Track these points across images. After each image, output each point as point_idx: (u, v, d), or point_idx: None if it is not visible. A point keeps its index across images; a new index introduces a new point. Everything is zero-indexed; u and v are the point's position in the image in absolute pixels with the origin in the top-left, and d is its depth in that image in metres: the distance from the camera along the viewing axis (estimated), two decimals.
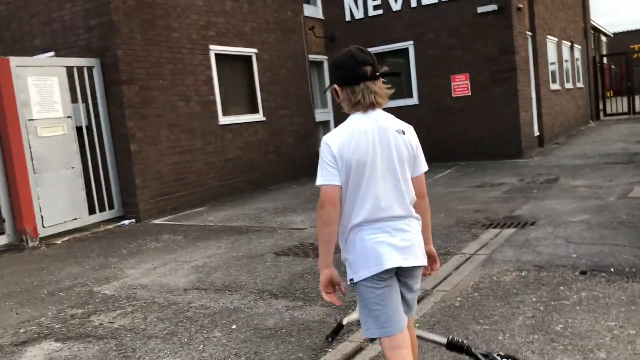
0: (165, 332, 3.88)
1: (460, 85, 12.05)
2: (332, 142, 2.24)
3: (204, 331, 3.84)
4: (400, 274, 2.31)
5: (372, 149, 2.24)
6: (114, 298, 4.75)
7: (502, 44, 11.49)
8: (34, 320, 4.33)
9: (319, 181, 2.23)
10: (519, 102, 11.60)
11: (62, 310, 4.52)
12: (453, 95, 12.13)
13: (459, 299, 4.02)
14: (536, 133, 13.15)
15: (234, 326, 3.89)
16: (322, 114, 13.12)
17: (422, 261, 2.34)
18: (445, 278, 4.52)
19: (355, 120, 2.29)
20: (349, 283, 2.33)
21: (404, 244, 2.26)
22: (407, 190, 2.31)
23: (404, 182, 2.30)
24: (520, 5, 11.84)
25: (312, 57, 12.69)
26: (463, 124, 12.08)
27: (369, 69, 2.26)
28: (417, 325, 3.61)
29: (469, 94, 11.96)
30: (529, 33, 12.87)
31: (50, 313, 4.48)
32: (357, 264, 2.27)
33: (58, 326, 4.16)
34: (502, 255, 4.99)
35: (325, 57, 13.28)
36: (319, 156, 2.30)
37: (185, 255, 6.10)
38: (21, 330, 4.14)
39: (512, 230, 5.86)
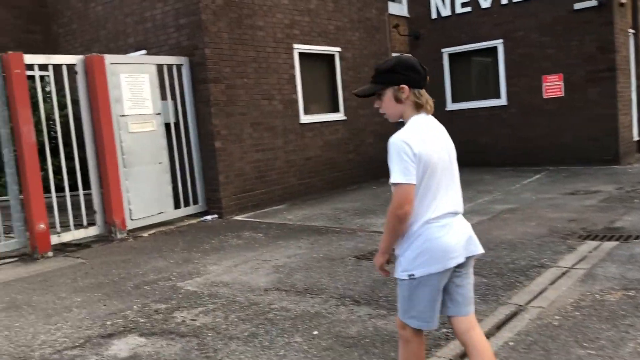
0: (246, 334, 3.83)
1: (552, 85, 11.41)
2: (412, 142, 2.34)
3: (285, 335, 3.76)
4: (460, 264, 2.48)
5: (440, 148, 2.44)
6: (197, 294, 4.78)
7: (601, 41, 10.78)
8: (120, 313, 4.42)
9: (399, 179, 2.33)
10: (617, 104, 10.84)
11: (146, 305, 4.59)
12: (544, 96, 11.51)
13: (557, 317, 3.72)
14: (635, 137, 12.25)
15: (315, 332, 3.78)
16: None
17: (481, 249, 2.59)
18: (541, 293, 4.21)
19: (423, 122, 2.45)
20: (402, 277, 2.45)
21: (465, 236, 2.50)
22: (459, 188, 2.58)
23: (458, 180, 2.56)
24: (623, 0, 11.04)
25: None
26: (554, 126, 11.44)
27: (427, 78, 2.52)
28: (511, 344, 3.36)
29: (562, 94, 11.31)
30: (631, 30, 11.99)
31: (135, 307, 4.56)
32: (421, 260, 2.40)
33: (142, 321, 4.22)
34: (604, 270, 4.60)
35: (410, 55, 12.98)
36: (394, 153, 2.36)
37: (266, 254, 6.09)
38: (108, 323, 4.23)
39: (613, 243, 5.41)
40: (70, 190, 7.29)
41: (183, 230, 7.84)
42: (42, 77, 7.59)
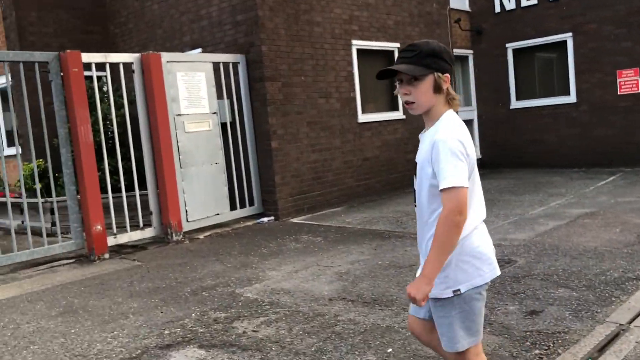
0: (313, 349, 3.51)
1: (628, 81, 10.64)
2: (465, 141, 2.08)
3: (356, 352, 3.42)
4: None
5: (473, 149, 2.20)
6: (257, 303, 4.50)
7: None
8: (178, 322, 4.18)
9: (457, 182, 2.00)
10: None
11: (205, 313, 4.34)
12: (618, 93, 10.75)
13: None
14: None
15: (390, 349, 3.43)
16: (465, 113, 12.30)
17: None
18: None
19: (458, 119, 2.17)
20: (446, 296, 2.15)
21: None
22: None
23: None
24: None
25: (456, 51, 11.94)
26: (630, 124, 10.67)
27: None
28: None
29: (638, 90, 10.53)
30: None
31: (193, 315, 4.32)
32: (468, 273, 2.14)
33: (201, 330, 3.97)
34: None
35: (471, 51, 12.45)
36: (448, 154, 2.03)
37: (327, 259, 5.76)
38: (165, 332, 3.99)
39: None
40: (127, 190, 7.18)
41: (239, 232, 7.62)
42: (99, 77, 7.52)
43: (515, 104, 12.12)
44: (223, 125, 8.11)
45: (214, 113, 7.90)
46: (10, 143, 11.10)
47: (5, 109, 11.08)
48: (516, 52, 11.97)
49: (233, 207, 8.15)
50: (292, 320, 4.04)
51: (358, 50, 9.47)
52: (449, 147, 2.02)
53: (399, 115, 10.23)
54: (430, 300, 2.18)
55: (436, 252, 2.01)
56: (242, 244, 6.83)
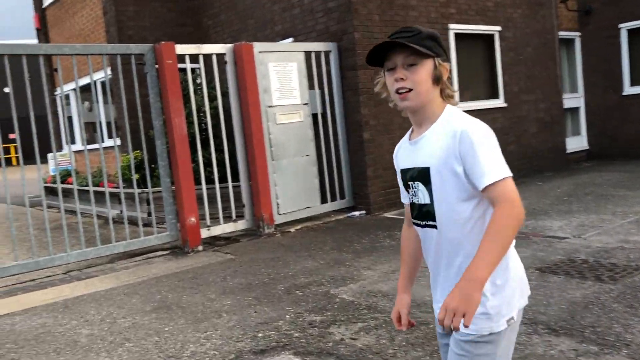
0: None
1: None
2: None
3: None
4: None
5: None
6: (354, 306, 4.22)
7: None
8: (272, 324, 3.99)
9: (507, 172, 1.62)
10: None
11: (300, 315, 4.12)
12: None
13: None
14: None
15: None
16: (572, 100, 11.41)
17: None
18: None
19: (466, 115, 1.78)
20: (498, 329, 1.68)
21: None
22: None
23: None
24: None
25: (562, 34, 11.06)
26: None
27: None
28: None
29: None
30: None
31: (288, 316, 4.11)
32: (517, 295, 1.74)
33: (297, 335, 3.75)
34: None
35: (578, 33, 11.50)
36: (485, 142, 1.65)
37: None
38: (259, 335, 3.81)
39: None
40: (220, 182, 7.14)
41: (330, 226, 7.39)
42: (192, 70, 7.53)
43: (629, 89, 11.05)
44: (314, 117, 7.90)
45: (305, 104, 7.69)
46: (110, 135, 11.51)
47: (105, 101, 11.47)
48: (631, 32, 10.88)
49: (324, 200, 7.94)
50: (394, 329, 3.72)
51: (456, 35, 8.93)
52: (483, 135, 1.64)
53: (499, 103, 9.59)
54: (460, 340, 1.70)
55: (494, 250, 1.54)
56: (334, 239, 6.59)
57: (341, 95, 8.04)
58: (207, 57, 7.21)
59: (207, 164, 7.60)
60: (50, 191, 11.10)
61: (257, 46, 7.23)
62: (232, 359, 3.45)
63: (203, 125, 8.63)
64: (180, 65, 6.73)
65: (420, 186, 1.78)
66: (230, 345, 3.67)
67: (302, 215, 7.64)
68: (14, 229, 5.90)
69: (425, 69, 1.71)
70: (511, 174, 1.61)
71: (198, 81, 8.71)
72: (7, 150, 32.05)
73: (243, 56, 7.01)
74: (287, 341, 3.66)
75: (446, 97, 1.77)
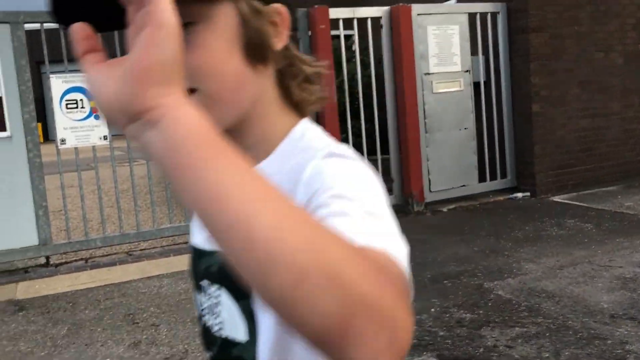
0: None
1: None
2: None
3: None
4: None
5: None
6: (511, 305, 3.65)
7: None
8: (415, 316, 3.57)
9: (391, 243, 0.63)
10: None
11: (446, 310, 3.65)
12: None
13: None
14: None
15: None
16: None
17: None
18: None
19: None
20: None
21: None
22: None
23: None
24: None
25: None
26: None
27: None
28: None
29: None
30: None
31: (433, 310, 3.67)
32: None
33: (442, 334, 3.29)
34: None
35: None
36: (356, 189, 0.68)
37: (602, 255, 4.57)
38: None
39: None
40: (368, 154, 6.79)
41: (488, 208, 6.71)
42: (346, 37, 7.20)
43: None
44: (475, 86, 7.17)
45: (466, 71, 7.00)
46: None
47: None
48: None
49: (481, 179, 7.23)
50: (560, 340, 3.11)
51: None
52: (354, 176, 0.70)
53: None
54: None
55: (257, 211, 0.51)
56: (492, 223, 5.93)
57: (508, 62, 7.19)
58: (362, 22, 6.81)
59: (357, 134, 7.29)
60: None
61: (416, 8, 6.67)
62: None
63: (355, 94, 8.32)
64: (333, 32, 6.44)
65: (225, 298, 0.79)
66: None
67: (456, 194, 7.03)
68: (169, 192, 6.11)
69: (217, 28, 0.70)
70: (403, 250, 0.65)
71: (352, 48, 8.38)
72: None
73: (400, 19, 6.50)
74: (430, 340, 3.23)
75: (299, 100, 0.82)
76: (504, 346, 3.08)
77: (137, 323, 3.77)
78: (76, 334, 3.65)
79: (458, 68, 6.91)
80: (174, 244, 5.97)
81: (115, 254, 5.73)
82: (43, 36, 5.19)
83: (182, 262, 5.18)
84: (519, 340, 3.14)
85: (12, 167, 5.08)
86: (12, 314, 4.12)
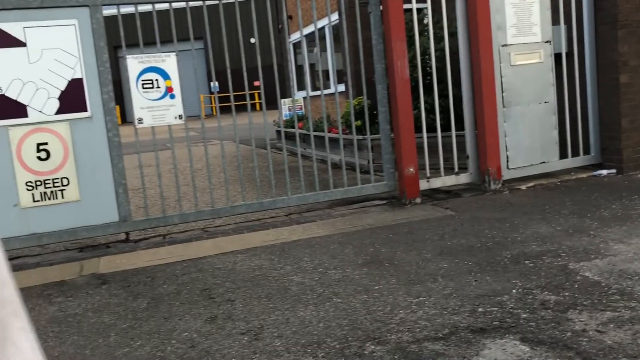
0: None
1: None
2: None
3: None
4: None
5: None
6: (600, 288, 3.43)
7: None
8: (495, 298, 3.42)
9: None
10: None
11: (529, 291, 3.48)
12: None
13: None
14: None
15: None
16: None
17: None
18: None
19: None
20: None
21: None
22: None
23: None
24: None
25: None
26: None
27: None
28: None
29: None
30: None
31: (514, 291, 3.50)
32: None
33: (525, 316, 3.13)
34: None
35: None
36: None
37: None
38: (479, 309, 3.28)
39: None
40: (442, 131, 6.58)
41: (570, 186, 6.36)
42: (418, 10, 6.96)
43: None
44: (556, 57, 6.77)
45: (547, 42, 6.62)
46: (338, 81, 11.60)
47: (332, 48, 11.55)
48: None
49: (563, 155, 6.87)
50: None
51: None
52: None
53: None
54: None
55: None
56: (574, 201, 5.62)
57: (593, 30, 6.74)
58: None
59: (429, 110, 7.08)
60: (286, 135, 11.69)
61: None
62: (445, 335, 3.00)
63: (427, 69, 8.09)
64: (406, 6, 6.24)
65: None
66: (445, 317, 3.22)
67: (536, 172, 6.71)
68: (241, 171, 6.16)
69: None
70: None
71: (424, 21, 8.11)
72: (251, 97, 35.42)
73: None
74: (512, 322, 3.08)
75: None
76: (594, 331, 2.89)
77: (213, 298, 3.83)
78: (155, 308, 3.75)
79: (538, 39, 6.55)
80: (247, 221, 6.05)
81: (191, 230, 5.86)
82: (120, 20, 5.32)
83: (255, 239, 5.25)
84: (611, 325, 2.93)
85: (93, 146, 5.27)
86: (96, 287, 4.30)
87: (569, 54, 6.85)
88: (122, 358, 3.09)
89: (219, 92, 5.90)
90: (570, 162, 6.87)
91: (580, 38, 6.80)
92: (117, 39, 5.53)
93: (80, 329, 3.53)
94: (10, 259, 5.28)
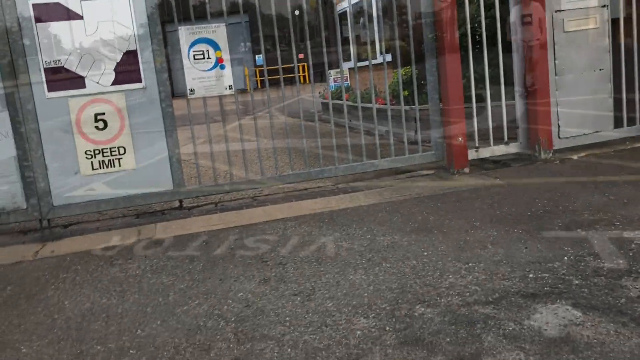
0: None
1: None
2: None
3: None
4: None
5: None
6: None
7: None
8: (546, 264, 3.42)
9: None
10: None
11: (581, 258, 3.45)
12: None
13: None
14: None
15: None
16: None
17: None
18: None
19: None
20: None
21: None
22: None
23: None
24: None
25: None
26: None
27: None
28: None
29: None
30: None
31: (566, 258, 3.48)
32: None
33: (577, 282, 3.12)
34: None
35: None
36: None
37: None
38: (530, 275, 3.29)
39: None
40: (492, 100, 6.47)
41: (624, 156, 6.19)
42: None
43: None
44: (613, 22, 6.53)
45: (604, 6, 6.38)
46: (386, 51, 11.49)
47: (379, 19, 11.40)
48: None
49: (617, 125, 6.67)
50: None
51: None
52: None
53: None
54: None
55: None
56: (630, 171, 5.48)
57: None
58: None
59: (479, 80, 6.96)
60: (333, 107, 11.71)
61: None
62: (495, 299, 3.03)
63: (477, 37, 7.91)
64: None
65: None
66: (495, 282, 3.24)
67: (588, 141, 6.55)
68: (289, 142, 6.24)
69: None
70: None
71: None
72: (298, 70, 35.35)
73: None
74: (564, 288, 3.08)
75: None
76: None
77: (266, 262, 3.95)
78: (211, 270, 3.90)
79: (594, 3, 6.33)
80: (295, 190, 6.14)
81: (241, 198, 6.01)
82: None
83: (304, 207, 5.34)
84: None
85: (148, 116, 5.44)
86: (154, 251, 4.48)
87: (627, 19, 6.59)
88: (181, 315, 3.25)
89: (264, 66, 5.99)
90: (625, 132, 6.66)
91: (639, 3, 6.53)
92: (164, 15, 5.64)
93: (141, 288, 3.72)
94: (71, 224, 5.55)
